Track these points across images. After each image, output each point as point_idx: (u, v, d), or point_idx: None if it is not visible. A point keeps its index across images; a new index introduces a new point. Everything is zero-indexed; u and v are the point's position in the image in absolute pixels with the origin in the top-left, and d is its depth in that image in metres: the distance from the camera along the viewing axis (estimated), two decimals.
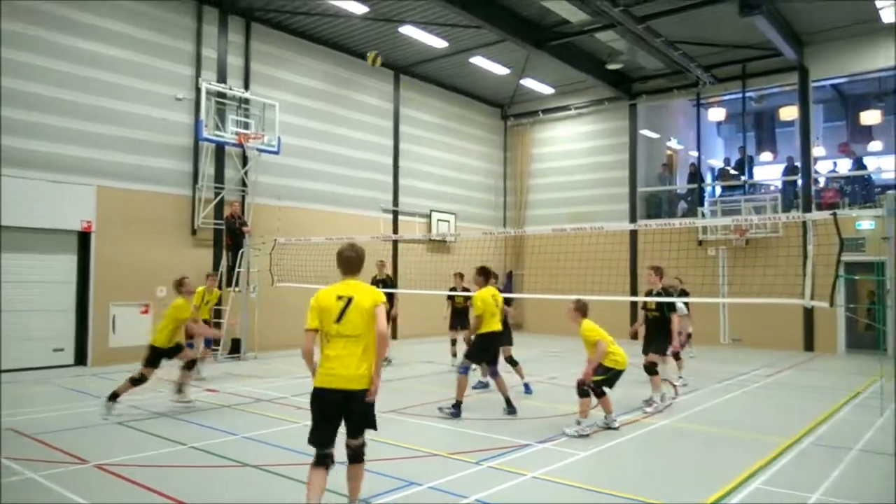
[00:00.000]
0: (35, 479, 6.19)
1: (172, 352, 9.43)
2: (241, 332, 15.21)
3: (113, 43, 14.09)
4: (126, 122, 14.28)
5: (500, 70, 20.28)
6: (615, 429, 8.27)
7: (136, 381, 9.07)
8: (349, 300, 5.00)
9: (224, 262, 15.52)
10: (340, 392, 4.92)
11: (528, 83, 21.87)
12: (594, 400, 8.32)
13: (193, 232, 15.37)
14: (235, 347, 15.22)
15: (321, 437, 4.97)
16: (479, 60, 19.60)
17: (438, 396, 10.56)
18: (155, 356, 9.23)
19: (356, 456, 5.07)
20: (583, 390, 8.16)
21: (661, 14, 15.67)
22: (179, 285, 9.62)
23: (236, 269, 15.19)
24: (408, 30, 17.25)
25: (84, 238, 13.80)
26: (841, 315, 17.71)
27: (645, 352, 9.95)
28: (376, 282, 14.08)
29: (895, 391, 10.32)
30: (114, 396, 9.05)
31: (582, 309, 8.46)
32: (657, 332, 9.89)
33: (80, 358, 13.65)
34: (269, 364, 14.26)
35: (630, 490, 6.03)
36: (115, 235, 14.01)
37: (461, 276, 14.34)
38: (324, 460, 4.96)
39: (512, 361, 11.04)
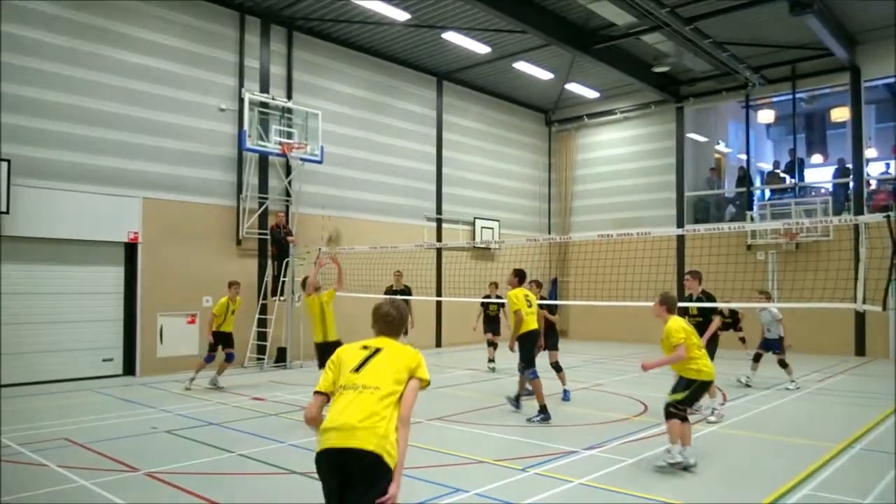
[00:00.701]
0: (86, 486, 6.27)
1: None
2: (287, 340, 15.32)
3: (157, 55, 14.33)
4: (171, 133, 14.50)
5: (543, 75, 20.13)
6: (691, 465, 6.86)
7: None
8: (377, 350, 3.84)
9: (269, 272, 15.66)
10: (339, 453, 3.48)
11: (573, 87, 21.66)
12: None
13: (238, 242, 15.53)
14: (281, 356, 15.33)
15: None
16: (522, 65, 19.48)
17: (482, 403, 10.53)
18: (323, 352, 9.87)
19: None
20: (668, 412, 6.99)
21: (708, 15, 15.34)
22: (303, 285, 10.62)
23: (281, 279, 15.32)
24: (450, 36, 17.21)
25: (131, 249, 14.01)
26: (894, 319, 17.20)
27: None
28: (393, 292, 14.08)
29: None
30: None
31: (668, 303, 7.35)
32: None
33: (129, 368, 13.86)
34: (314, 373, 14.28)
35: (678, 496, 5.93)
36: (161, 246, 14.22)
37: (496, 285, 14.49)
38: None
39: (557, 367, 10.93)
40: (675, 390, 7.07)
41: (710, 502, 5.80)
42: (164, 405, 10.41)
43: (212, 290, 14.83)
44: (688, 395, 7.00)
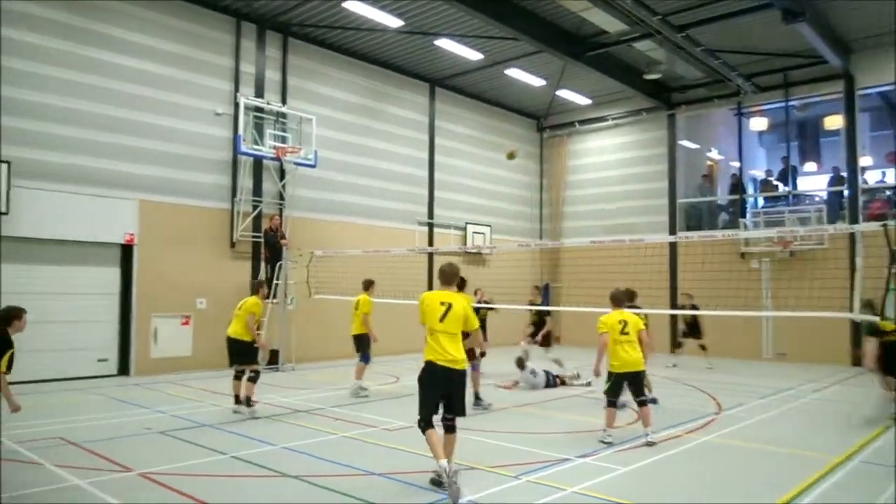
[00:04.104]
0: (81, 485, 6.29)
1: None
2: (279, 343, 15.31)
3: (154, 59, 14.39)
4: (167, 136, 14.55)
5: (535, 81, 20.22)
6: (607, 443, 8.15)
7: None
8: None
9: (262, 275, 15.66)
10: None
11: (565, 94, 21.74)
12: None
13: (232, 245, 15.55)
14: (274, 358, 15.31)
15: None
16: (514, 72, 19.57)
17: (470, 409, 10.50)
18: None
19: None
20: (609, 400, 8.42)
21: (701, 22, 15.46)
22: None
23: (274, 282, 15.32)
24: (443, 42, 17.29)
25: (127, 251, 14.05)
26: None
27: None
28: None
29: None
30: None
31: (612, 298, 8.85)
32: None
33: (124, 368, 13.88)
34: (307, 375, 14.32)
35: None
36: (156, 248, 14.25)
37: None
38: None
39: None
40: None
41: None
42: (159, 406, 10.41)
43: (205, 293, 14.86)
44: (610, 386, 8.44)
